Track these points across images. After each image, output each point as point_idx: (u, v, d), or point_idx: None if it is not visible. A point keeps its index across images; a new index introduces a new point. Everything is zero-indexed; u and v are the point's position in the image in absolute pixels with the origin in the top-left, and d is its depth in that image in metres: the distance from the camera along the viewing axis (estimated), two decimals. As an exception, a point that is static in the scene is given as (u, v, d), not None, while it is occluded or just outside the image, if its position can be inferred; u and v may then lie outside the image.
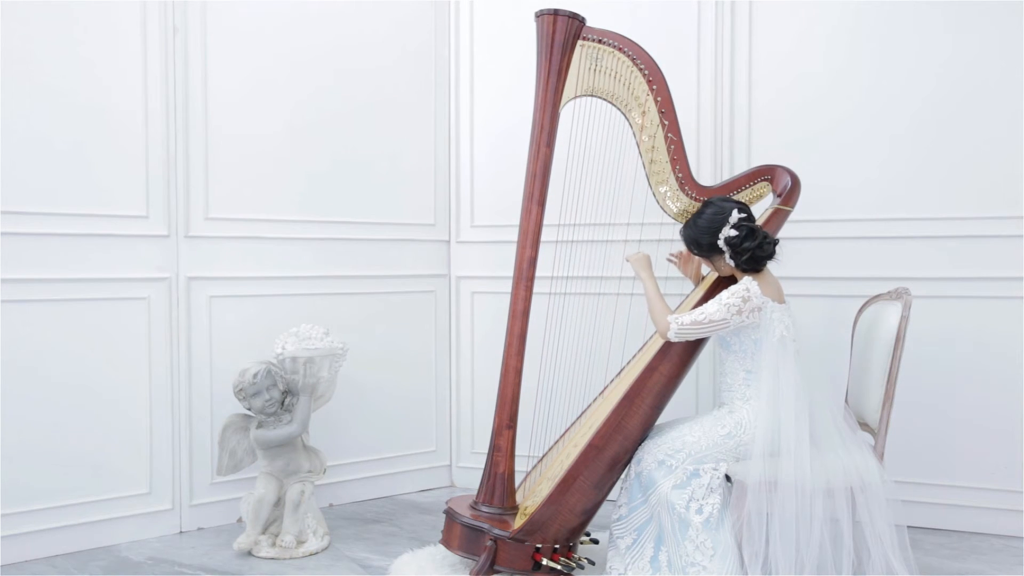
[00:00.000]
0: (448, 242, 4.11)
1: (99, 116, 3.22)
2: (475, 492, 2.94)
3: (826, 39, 3.54)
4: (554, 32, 2.86)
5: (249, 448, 3.28)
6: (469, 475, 4.02)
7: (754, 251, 2.71)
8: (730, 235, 2.72)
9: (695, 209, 2.90)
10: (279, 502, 3.25)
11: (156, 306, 3.36)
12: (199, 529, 3.46)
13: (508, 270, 2.98)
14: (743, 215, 2.75)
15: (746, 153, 3.62)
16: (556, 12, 2.86)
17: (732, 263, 2.76)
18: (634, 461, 2.77)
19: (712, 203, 2.82)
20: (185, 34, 3.39)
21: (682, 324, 2.69)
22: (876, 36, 3.47)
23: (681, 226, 2.88)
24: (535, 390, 3.00)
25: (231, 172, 3.51)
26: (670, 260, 3.13)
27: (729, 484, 2.63)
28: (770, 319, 2.66)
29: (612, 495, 2.85)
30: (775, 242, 2.76)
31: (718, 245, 2.74)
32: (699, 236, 2.79)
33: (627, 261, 2.97)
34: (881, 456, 2.68)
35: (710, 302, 2.69)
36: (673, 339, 2.72)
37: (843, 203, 3.51)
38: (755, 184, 3.01)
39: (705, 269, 3.08)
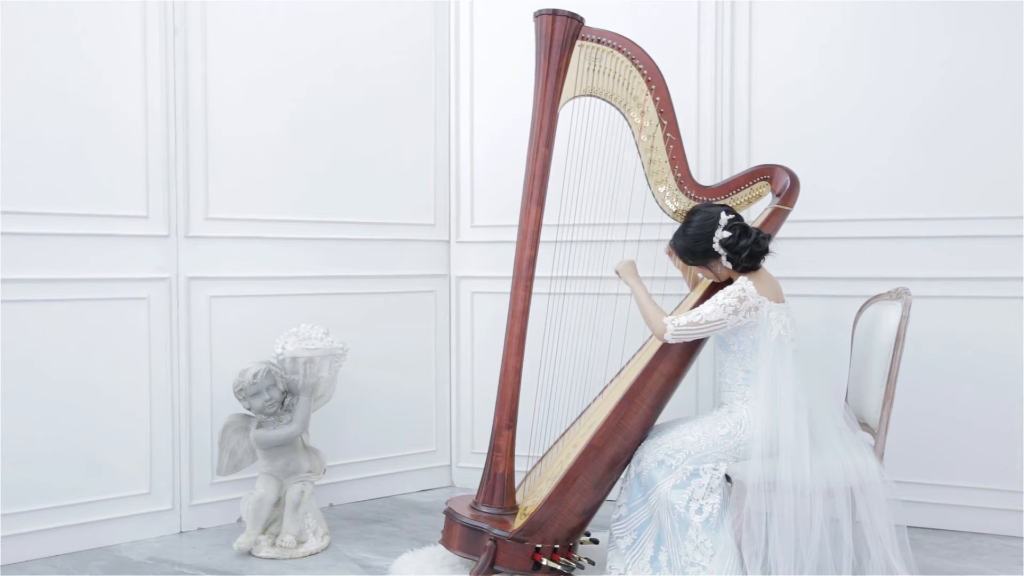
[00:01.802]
0: (448, 242, 4.11)
1: (99, 116, 3.22)
2: (475, 492, 2.95)
3: (826, 39, 3.54)
4: (553, 32, 2.86)
5: (249, 448, 3.29)
6: (469, 475, 4.02)
7: (751, 248, 2.71)
8: (724, 236, 2.72)
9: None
10: (279, 502, 3.25)
11: (156, 306, 3.36)
12: (199, 529, 3.46)
13: (508, 270, 2.98)
14: (731, 216, 2.75)
15: (746, 153, 3.62)
16: (555, 12, 2.86)
17: (730, 265, 2.75)
18: (634, 461, 2.77)
19: (698, 210, 2.81)
20: (185, 34, 3.39)
21: (678, 325, 2.69)
22: (876, 36, 3.47)
23: (671, 238, 2.87)
24: (535, 390, 3.00)
25: (231, 172, 3.52)
26: (669, 252, 3.10)
27: (729, 484, 2.63)
28: (767, 318, 2.66)
29: (612, 495, 2.85)
30: (769, 237, 2.76)
31: (713, 250, 2.73)
32: (692, 245, 2.78)
33: (616, 273, 2.94)
34: (881, 456, 2.68)
35: (706, 303, 2.69)
36: (670, 341, 2.72)
37: (843, 203, 3.50)
38: (754, 184, 3.01)
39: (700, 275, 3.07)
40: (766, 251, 2.74)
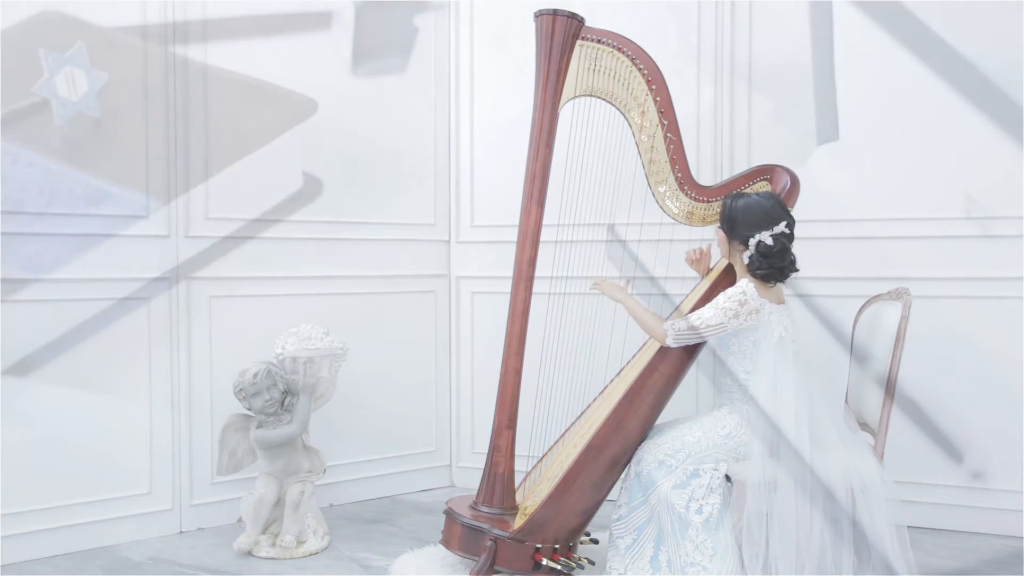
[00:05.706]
0: (448, 242, 4.11)
1: (99, 115, 3.22)
2: (475, 492, 2.95)
3: (826, 39, 3.54)
4: (553, 32, 2.86)
5: (249, 448, 3.28)
6: (469, 475, 4.02)
7: (775, 268, 2.68)
8: (767, 242, 2.66)
9: (694, 209, 2.90)
10: (279, 502, 3.25)
11: (156, 306, 3.36)
12: (199, 529, 3.46)
13: (508, 270, 2.98)
14: (788, 232, 2.68)
15: (746, 153, 3.62)
16: (555, 12, 2.86)
17: (746, 261, 2.72)
18: (634, 461, 2.77)
19: (772, 198, 2.72)
20: (185, 32, 3.39)
21: (679, 330, 2.68)
22: (876, 35, 3.47)
23: (728, 195, 2.79)
24: (535, 390, 3.00)
25: (231, 172, 3.51)
26: (689, 261, 3.11)
27: (729, 484, 2.63)
28: (768, 320, 2.66)
29: (612, 495, 2.85)
30: (795, 269, 2.72)
31: (748, 239, 2.68)
32: (740, 218, 2.69)
33: (596, 287, 2.88)
34: (881, 456, 2.68)
35: (706, 307, 2.68)
36: (672, 345, 2.71)
37: (843, 203, 3.50)
38: (754, 184, 3.00)
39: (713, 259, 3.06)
40: (783, 279, 2.72)
